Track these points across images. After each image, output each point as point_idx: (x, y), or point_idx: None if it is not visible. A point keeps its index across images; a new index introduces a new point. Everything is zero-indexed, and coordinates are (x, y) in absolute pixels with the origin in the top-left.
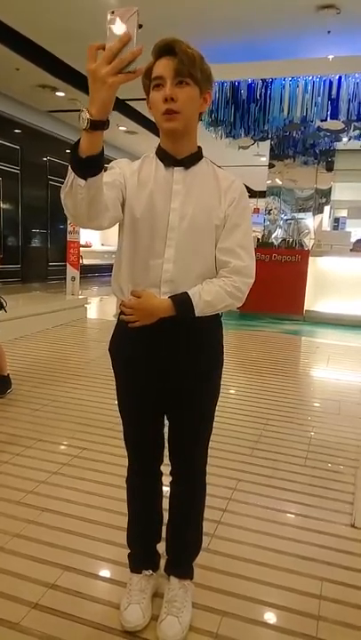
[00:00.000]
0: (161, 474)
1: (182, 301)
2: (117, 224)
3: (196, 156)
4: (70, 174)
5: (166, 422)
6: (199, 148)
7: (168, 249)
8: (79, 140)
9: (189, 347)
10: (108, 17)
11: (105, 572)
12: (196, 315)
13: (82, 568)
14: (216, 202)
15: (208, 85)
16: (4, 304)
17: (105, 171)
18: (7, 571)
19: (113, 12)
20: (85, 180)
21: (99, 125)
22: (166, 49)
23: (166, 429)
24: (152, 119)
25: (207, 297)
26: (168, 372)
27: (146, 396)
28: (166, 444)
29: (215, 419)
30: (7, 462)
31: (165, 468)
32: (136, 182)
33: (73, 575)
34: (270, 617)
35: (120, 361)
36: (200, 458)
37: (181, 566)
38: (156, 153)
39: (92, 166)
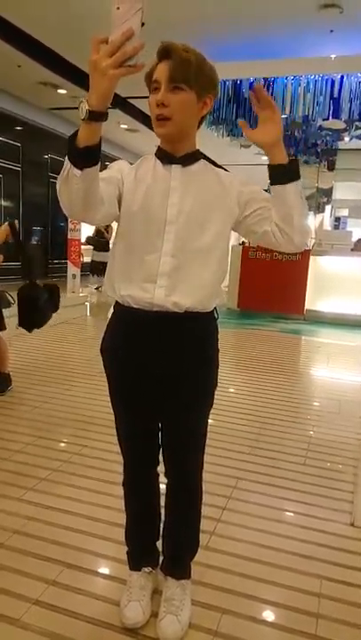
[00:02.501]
0: (157, 474)
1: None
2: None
3: (194, 156)
4: (67, 164)
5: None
6: (198, 150)
7: (166, 243)
8: (77, 130)
9: (183, 340)
10: (114, 11)
11: (105, 570)
12: (295, 184)
13: (82, 565)
14: (219, 195)
15: (209, 89)
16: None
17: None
18: (8, 567)
19: (118, 8)
20: (81, 170)
21: (98, 116)
22: (164, 53)
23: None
24: None
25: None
26: (161, 362)
27: (139, 390)
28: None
29: (215, 417)
30: (7, 459)
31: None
32: (133, 179)
33: (73, 572)
34: (270, 615)
35: (112, 357)
36: (195, 457)
37: (178, 567)
38: (155, 153)
39: (88, 157)
